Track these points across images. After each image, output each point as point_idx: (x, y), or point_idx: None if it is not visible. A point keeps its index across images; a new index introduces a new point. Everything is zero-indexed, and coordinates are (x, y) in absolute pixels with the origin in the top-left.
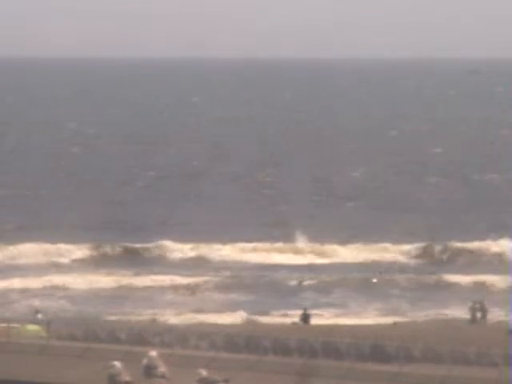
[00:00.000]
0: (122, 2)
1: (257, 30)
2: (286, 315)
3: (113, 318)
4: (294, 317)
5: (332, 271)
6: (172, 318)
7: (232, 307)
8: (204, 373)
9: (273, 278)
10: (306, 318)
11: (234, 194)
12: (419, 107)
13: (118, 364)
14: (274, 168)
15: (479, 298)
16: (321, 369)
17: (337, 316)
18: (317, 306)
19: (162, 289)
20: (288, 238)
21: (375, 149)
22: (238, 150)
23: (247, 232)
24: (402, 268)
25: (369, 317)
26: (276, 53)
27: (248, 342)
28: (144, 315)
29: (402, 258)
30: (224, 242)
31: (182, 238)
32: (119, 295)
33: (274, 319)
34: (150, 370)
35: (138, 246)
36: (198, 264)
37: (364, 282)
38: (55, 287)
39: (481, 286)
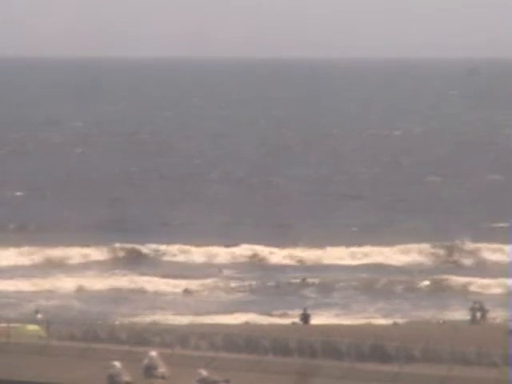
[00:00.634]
0: (122, 2)
1: (257, 30)
2: (286, 315)
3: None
4: (293, 317)
5: (334, 272)
6: (184, 319)
7: (241, 308)
8: (204, 373)
9: (277, 279)
10: (305, 318)
11: (235, 194)
12: (419, 107)
13: (118, 364)
14: (275, 168)
15: (479, 298)
16: (321, 369)
17: (337, 316)
18: (318, 306)
19: (166, 291)
20: (291, 239)
21: (377, 149)
22: (239, 150)
23: (251, 233)
24: (407, 269)
25: (369, 317)
26: (276, 53)
27: (248, 342)
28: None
29: (409, 259)
30: (228, 243)
31: (184, 240)
32: (130, 297)
33: (274, 319)
34: (150, 370)
35: (139, 247)
36: (201, 266)
37: (367, 284)
38: (50, 290)
39: (485, 289)
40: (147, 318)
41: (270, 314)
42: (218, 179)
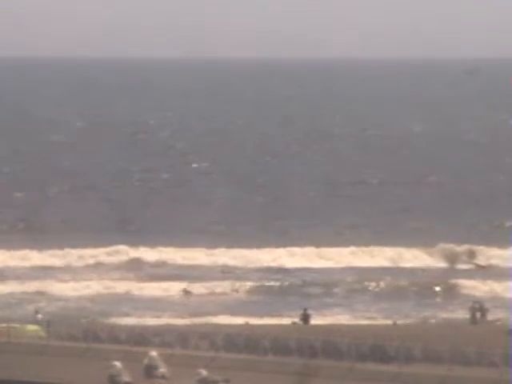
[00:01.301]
0: (122, 2)
1: (257, 30)
2: (287, 316)
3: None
4: (294, 317)
5: (336, 273)
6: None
7: (242, 308)
8: (204, 373)
9: (280, 281)
10: (305, 317)
11: (237, 195)
12: (419, 107)
13: (118, 364)
14: (277, 168)
15: (478, 298)
16: (321, 369)
17: (337, 316)
18: (319, 306)
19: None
20: (293, 239)
21: (379, 149)
22: (240, 150)
23: (254, 235)
24: (411, 272)
25: (369, 317)
26: (276, 53)
27: (248, 342)
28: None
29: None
30: (229, 245)
31: (185, 241)
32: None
33: (274, 319)
34: (150, 370)
35: (140, 248)
36: (202, 267)
37: (369, 285)
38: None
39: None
40: (148, 320)
41: (271, 316)
42: (218, 179)
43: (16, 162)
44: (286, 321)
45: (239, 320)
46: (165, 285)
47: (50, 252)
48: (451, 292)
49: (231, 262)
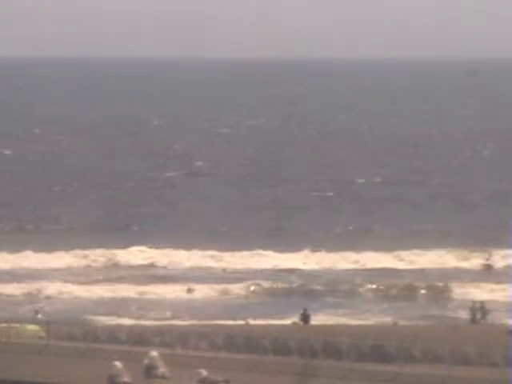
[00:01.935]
0: (121, 2)
1: (257, 30)
2: (288, 317)
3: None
4: (294, 317)
5: (339, 275)
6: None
7: (243, 309)
8: (204, 373)
9: (281, 282)
10: (305, 318)
11: (237, 195)
12: (419, 107)
13: (118, 364)
14: (278, 170)
15: (479, 299)
16: (321, 369)
17: (338, 316)
18: (321, 307)
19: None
20: (298, 242)
21: (380, 150)
22: (240, 150)
23: (253, 234)
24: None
25: (369, 317)
26: (276, 53)
27: (248, 342)
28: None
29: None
30: (230, 246)
31: (185, 242)
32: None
33: (275, 320)
34: (150, 370)
35: (143, 249)
36: (204, 268)
37: (370, 288)
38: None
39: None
40: (149, 321)
41: (272, 317)
42: (219, 179)
43: (16, 161)
44: (286, 321)
45: (240, 320)
46: (166, 286)
47: (50, 252)
48: (451, 292)
49: (233, 263)
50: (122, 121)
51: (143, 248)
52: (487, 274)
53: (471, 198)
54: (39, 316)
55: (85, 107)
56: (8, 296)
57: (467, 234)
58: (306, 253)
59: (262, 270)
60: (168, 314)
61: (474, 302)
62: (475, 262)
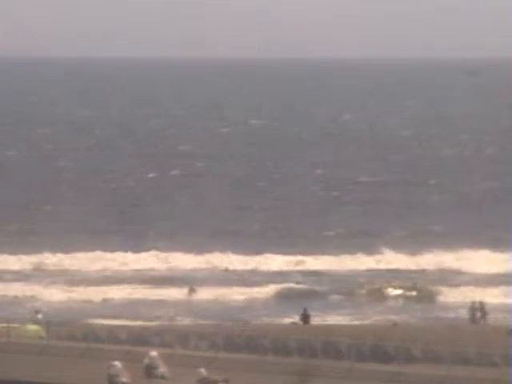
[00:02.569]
0: (122, 2)
1: (257, 30)
2: (287, 317)
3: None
4: (293, 317)
5: (340, 275)
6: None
7: (244, 310)
8: (204, 373)
9: (281, 283)
10: (305, 318)
11: (238, 195)
12: (419, 107)
13: (118, 364)
14: (280, 170)
15: (479, 299)
16: (321, 369)
17: (338, 316)
18: (321, 306)
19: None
20: (297, 243)
21: (382, 150)
22: (241, 151)
23: (256, 235)
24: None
25: (370, 317)
26: (276, 53)
27: (248, 342)
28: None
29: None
30: (231, 247)
31: (187, 243)
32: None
33: (274, 320)
34: (150, 370)
35: (145, 250)
36: (206, 270)
37: (371, 288)
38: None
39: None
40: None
41: (272, 317)
42: (219, 180)
43: (15, 161)
44: (286, 321)
45: (240, 321)
46: (168, 287)
47: (50, 253)
48: (452, 292)
49: (234, 264)
50: (122, 121)
51: (143, 248)
52: (488, 274)
53: (473, 198)
54: (39, 316)
55: (85, 107)
56: (8, 295)
57: (468, 234)
58: (306, 253)
59: (263, 271)
60: (170, 314)
61: (474, 301)
62: (475, 262)
